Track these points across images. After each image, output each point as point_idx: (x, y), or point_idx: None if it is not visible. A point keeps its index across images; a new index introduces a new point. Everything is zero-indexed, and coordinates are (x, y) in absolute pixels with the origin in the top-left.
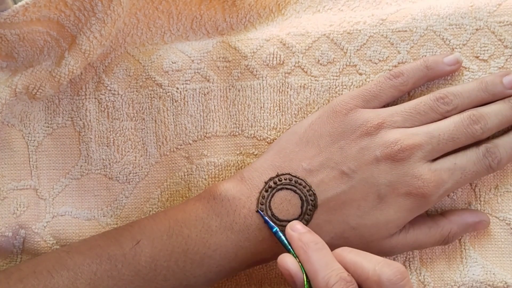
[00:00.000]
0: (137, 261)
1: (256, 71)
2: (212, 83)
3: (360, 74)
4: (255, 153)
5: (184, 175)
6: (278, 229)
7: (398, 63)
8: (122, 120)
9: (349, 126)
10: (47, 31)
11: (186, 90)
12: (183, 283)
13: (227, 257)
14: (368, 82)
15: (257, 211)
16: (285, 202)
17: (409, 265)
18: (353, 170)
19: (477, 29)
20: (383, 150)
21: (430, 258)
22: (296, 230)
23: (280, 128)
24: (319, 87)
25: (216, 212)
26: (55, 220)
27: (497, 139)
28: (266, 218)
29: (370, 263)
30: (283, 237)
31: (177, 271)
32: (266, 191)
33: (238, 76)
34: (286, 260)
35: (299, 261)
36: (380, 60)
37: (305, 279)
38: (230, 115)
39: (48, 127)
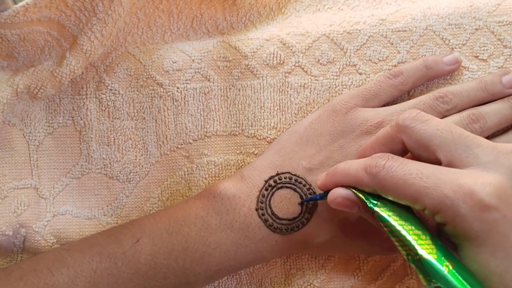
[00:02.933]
0: (137, 259)
1: (256, 71)
2: (213, 83)
3: (360, 73)
4: (255, 153)
5: (185, 174)
6: (320, 193)
7: (398, 62)
8: (123, 120)
9: (349, 125)
10: (47, 31)
11: (186, 90)
12: (183, 281)
13: (227, 255)
14: (368, 81)
15: (300, 204)
16: (285, 201)
17: (409, 265)
18: None
19: (476, 29)
20: None
21: None
22: (321, 178)
23: (280, 128)
24: (319, 87)
25: (216, 211)
26: (56, 219)
27: (496, 139)
28: (308, 199)
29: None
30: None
31: (177, 269)
32: (266, 189)
33: (238, 76)
34: (332, 192)
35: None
36: (379, 60)
37: (352, 189)
38: (231, 115)
39: (49, 126)
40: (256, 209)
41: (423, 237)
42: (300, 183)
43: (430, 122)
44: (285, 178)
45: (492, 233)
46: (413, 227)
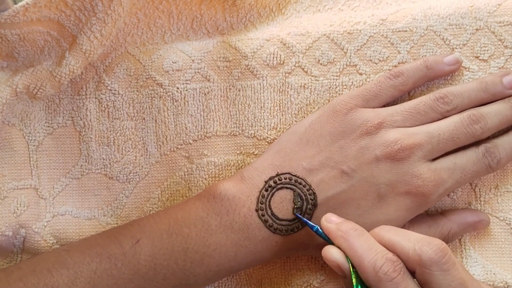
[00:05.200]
0: (137, 260)
1: (257, 71)
2: (213, 83)
3: (360, 74)
4: (255, 153)
5: (185, 175)
6: (318, 227)
7: (398, 63)
8: (123, 120)
9: (349, 126)
10: (47, 31)
11: (186, 90)
12: (183, 282)
13: (227, 256)
14: (368, 82)
15: (294, 214)
16: (285, 201)
17: None
18: (353, 169)
19: (477, 29)
20: (383, 150)
21: None
22: (332, 222)
23: (280, 128)
24: (319, 87)
25: (216, 211)
26: (56, 220)
27: (496, 139)
28: (305, 219)
29: (409, 242)
30: (324, 233)
31: (176, 270)
32: (266, 190)
33: (238, 76)
34: (331, 252)
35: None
36: (380, 60)
37: (351, 268)
38: (231, 115)
39: (49, 126)
40: (256, 210)
41: None
42: (300, 183)
43: (453, 271)
44: (285, 178)
45: None
46: None
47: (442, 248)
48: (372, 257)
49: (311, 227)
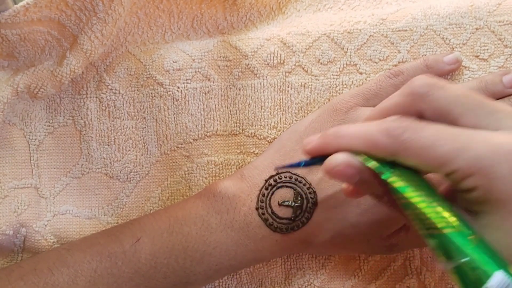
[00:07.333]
0: (137, 259)
1: (257, 70)
2: (213, 82)
3: (361, 73)
4: (255, 152)
5: (185, 174)
6: (302, 159)
7: (398, 62)
8: (123, 119)
9: None
10: (48, 31)
11: (187, 89)
12: (183, 280)
13: (227, 254)
14: (368, 81)
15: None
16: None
17: (410, 265)
18: None
19: (477, 29)
20: None
21: (431, 258)
22: (312, 139)
23: (280, 127)
24: (319, 86)
25: (216, 210)
26: (56, 219)
27: None
28: (287, 165)
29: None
30: (312, 159)
31: (177, 269)
32: (266, 189)
33: (238, 75)
34: (333, 158)
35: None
36: (380, 59)
37: (360, 157)
38: (231, 114)
39: (49, 126)
40: (256, 208)
41: (445, 209)
42: (300, 182)
43: (449, 88)
44: (285, 177)
45: None
46: (431, 199)
47: (424, 76)
48: (369, 127)
49: (298, 165)
